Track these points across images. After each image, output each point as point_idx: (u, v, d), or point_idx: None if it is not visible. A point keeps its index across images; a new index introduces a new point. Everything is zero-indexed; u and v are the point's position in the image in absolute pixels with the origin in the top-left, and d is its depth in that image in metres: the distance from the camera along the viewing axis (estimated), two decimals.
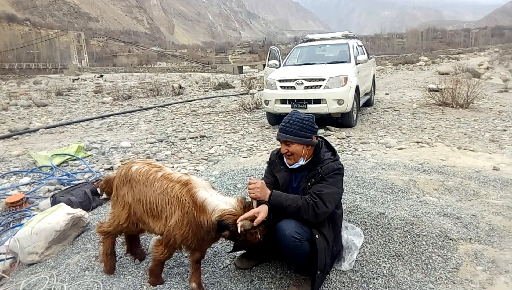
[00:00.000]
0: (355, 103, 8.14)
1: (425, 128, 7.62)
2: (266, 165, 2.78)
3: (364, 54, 9.72)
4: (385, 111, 9.92)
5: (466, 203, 3.45)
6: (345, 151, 6.22)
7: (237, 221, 2.15)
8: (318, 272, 2.30)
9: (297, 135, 2.41)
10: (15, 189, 4.99)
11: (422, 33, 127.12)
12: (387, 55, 59.82)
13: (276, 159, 2.67)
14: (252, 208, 2.26)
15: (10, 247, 3.04)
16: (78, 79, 43.65)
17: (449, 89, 10.06)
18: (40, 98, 20.09)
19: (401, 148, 6.17)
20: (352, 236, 2.69)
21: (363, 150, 6.19)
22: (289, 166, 2.54)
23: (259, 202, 2.29)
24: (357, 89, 8.23)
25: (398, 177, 4.06)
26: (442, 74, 18.29)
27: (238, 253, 2.83)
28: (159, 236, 2.51)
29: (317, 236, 2.31)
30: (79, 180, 5.19)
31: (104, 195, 3.93)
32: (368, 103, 10.55)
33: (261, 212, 2.21)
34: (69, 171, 5.74)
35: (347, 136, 7.27)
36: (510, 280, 2.39)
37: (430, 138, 6.75)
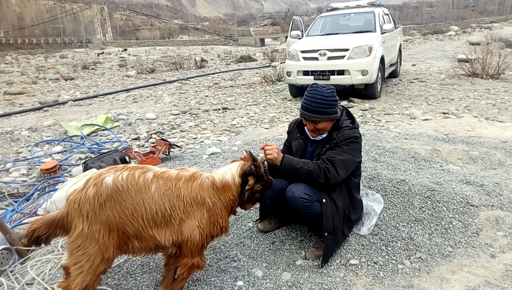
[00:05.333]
0: (379, 74, 7.96)
1: (453, 99, 7.41)
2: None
3: (390, 22, 9.40)
4: (411, 82, 9.66)
5: (490, 172, 3.42)
6: (368, 122, 6.16)
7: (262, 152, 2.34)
8: (326, 234, 2.37)
9: (325, 114, 2.39)
10: (48, 157, 5.25)
11: (453, 1, 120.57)
12: (415, 25, 57.36)
13: (294, 128, 2.72)
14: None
15: (47, 209, 3.27)
16: (102, 53, 44.22)
17: (479, 59, 9.66)
18: (67, 72, 20.58)
19: (426, 119, 6.06)
20: (371, 202, 2.74)
21: (386, 121, 6.12)
22: (312, 138, 2.57)
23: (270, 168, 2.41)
24: (382, 60, 8.03)
25: (422, 147, 4.04)
26: (473, 44, 17.45)
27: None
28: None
29: (324, 200, 2.37)
30: (108, 149, 5.41)
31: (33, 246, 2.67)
32: (394, 74, 10.27)
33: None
34: (98, 140, 5.98)
35: (370, 108, 7.18)
36: None
37: (457, 109, 6.58)
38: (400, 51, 10.89)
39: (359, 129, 2.55)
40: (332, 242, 2.43)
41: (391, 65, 9.72)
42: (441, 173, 3.32)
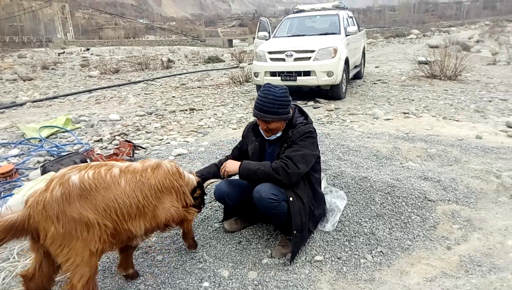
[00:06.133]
0: (344, 75, 8.15)
1: (413, 100, 7.71)
2: None
3: (354, 25, 9.66)
4: (374, 83, 9.97)
5: (447, 168, 3.59)
6: (334, 122, 6.29)
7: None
8: (295, 232, 2.41)
9: (276, 114, 2.43)
10: (4, 160, 4.99)
11: (414, 5, 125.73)
12: (378, 28, 59.35)
13: (249, 131, 2.75)
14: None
15: (1, 214, 3.09)
16: (63, 52, 42.56)
17: (438, 61, 10.12)
18: (26, 72, 19.62)
19: (388, 119, 6.27)
20: (335, 199, 2.80)
21: (351, 121, 6.27)
22: (267, 138, 2.61)
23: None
24: (346, 61, 8.23)
25: (383, 145, 4.17)
26: (432, 47, 18.30)
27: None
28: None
29: (291, 198, 2.41)
30: (68, 151, 5.21)
31: None
32: (358, 76, 10.55)
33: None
34: (58, 143, 5.74)
35: (336, 108, 7.34)
36: (482, 236, 2.55)
37: (417, 109, 6.86)
38: (363, 53, 11.20)
39: (313, 124, 2.61)
40: (300, 239, 2.47)
41: (355, 66, 9.98)
42: (401, 170, 3.44)
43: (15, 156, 5.19)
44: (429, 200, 2.84)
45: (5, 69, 22.54)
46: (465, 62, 9.82)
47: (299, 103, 7.95)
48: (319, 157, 2.63)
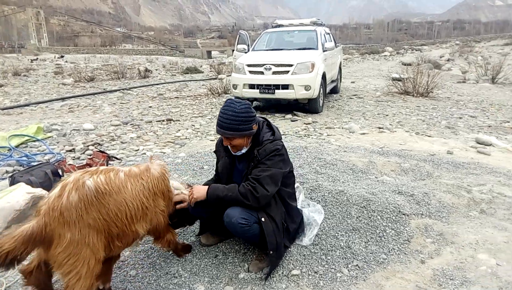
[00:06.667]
0: (321, 89, 8.30)
1: (387, 115, 7.92)
2: None
3: (331, 41, 9.88)
4: (351, 98, 10.19)
5: (420, 183, 3.68)
6: (311, 135, 6.37)
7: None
8: (271, 252, 2.39)
9: (236, 130, 2.37)
10: None
11: (388, 24, 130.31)
12: (354, 45, 61.05)
13: (220, 146, 2.69)
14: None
15: None
16: (37, 59, 41.52)
17: (411, 78, 10.47)
18: None
19: (363, 133, 6.40)
20: (313, 213, 2.81)
21: (328, 135, 6.36)
22: (233, 154, 2.56)
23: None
24: (323, 76, 8.39)
25: (359, 159, 4.25)
26: (406, 64, 18.90)
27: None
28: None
29: (263, 219, 2.37)
30: (39, 161, 5.03)
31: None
32: (335, 90, 10.77)
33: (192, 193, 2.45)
34: (28, 152, 5.54)
35: (313, 122, 7.43)
36: (455, 250, 2.61)
37: (391, 124, 7.03)
38: (340, 68, 11.46)
39: (281, 139, 2.57)
40: (276, 257, 2.45)
41: (332, 81, 10.19)
42: (376, 184, 3.51)
43: None
44: (403, 214, 2.90)
45: None
46: (436, 79, 10.21)
47: (277, 115, 8.03)
48: (291, 171, 2.61)
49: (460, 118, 7.64)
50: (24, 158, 5.23)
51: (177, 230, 2.98)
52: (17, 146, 5.75)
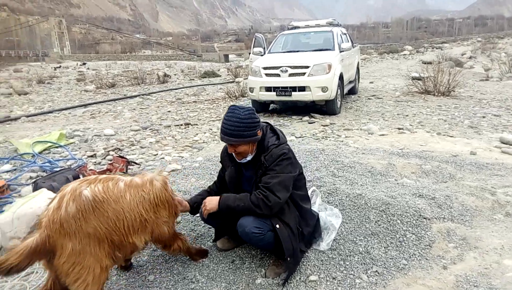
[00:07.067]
0: (339, 90, 8.22)
1: (407, 115, 7.76)
2: None
3: (348, 42, 9.79)
4: (369, 99, 10.04)
5: (442, 185, 3.58)
6: (329, 137, 6.30)
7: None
8: (288, 258, 2.35)
9: (241, 137, 2.33)
10: None
11: (407, 22, 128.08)
12: (372, 44, 60.27)
13: (225, 155, 2.66)
14: None
15: None
16: (60, 67, 42.74)
17: (431, 77, 10.24)
18: (21, 86, 19.58)
19: (382, 135, 6.29)
20: (330, 217, 2.77)
21: (346, 137, 6.28)
22: (238, 161, 2.52)
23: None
24: (341, 77, 8.31)
25: (378, 161, 4.17)
26: (426, 63, 18.52)
27: None
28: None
29: (277, 226, 2.33)
30: (61, 167, 5.15)
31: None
32: (353, 91, 10.65)
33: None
34: (51, 158, 5.68)
35: (331, 123, 7.36)
36: (478, 255, 2.52)
37: (411, 125, 6.89)
38: (358, 69, 11.33)
39: (287, 142, 2.51)
40: (293, 263, 2.42)
41: (350, 82, 10.07)
42: (396, 186, 3.43)
43: (7, 171, 5.13)
44: (424, 218, 2.82)
45: (1, 83, 22.53)
46: (458, 78, 9.95)
47: (294, 118, 7.99)
48: (301, 173, 2.57)
49: (484, 117, 7.41)
50: (47, 164, 5.37)
51: (194, 235, 3.01)
52: (40, 152, 5.91)
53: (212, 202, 2.42)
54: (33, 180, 4.39)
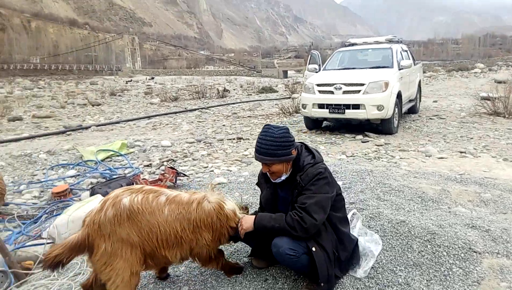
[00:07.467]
0: (396, 109, 7.90)
1: (471, 138, 7.23)
2: None
3: (409, 59, 9.42)
4: (431, 119, 9.53)
5: (500, 217, 3.26)
6: (381, 158, 6.06)
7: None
8: (322, 284, 2.28)
9: (275, 156, 2.31)
10: (61, 180, 5.39)
11: (479, 39, 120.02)
12: (440, 61, 57.23)
13: (261, 178, 2.65)
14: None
15: (49, 233, 3.32)
16: (131, 80, 46.05)
17: (502, 98, 9.46)
18: (95, 98, 21.43)
19: (441, 158, 5.92)
20: (369, 243, 2.65)
21: (400, 158, 6.00)
22: (273, 181, 2.49)
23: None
24: (399, 95, 8.00)
25: (430, 187, 3.91)
26: (499, 82, 17.16)
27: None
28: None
29: (313, 249, 2.26)
30: (119, 174, 5.51)
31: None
32: (413, 110, 10.19)
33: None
34: (112, 166, 6.10)
35: (385, 143, 7.08)
36: None
37: (475, 149, 6.40)
38: (419, 87, 10.81)
39: (323, 162, 2.44)
40: (328, 289, 2.34)
41: (410, 100, 9.65)
42: (447, 215, 3.18)
43: (72, 176, 5.60)
44: (475, 252, 2.58)
45: (78, 94, 24.83)
46: None
47: (347, 136, 7.80)
48: (340, 194, 2.49)
49: None
50: (108, 171, 5.78)
51: (231, 249, 3.03)
52: (103, 160, 6.38)
53: (248, 222, 2.40)
54: (91, 186, 4.74)
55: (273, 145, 2.30)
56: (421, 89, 11.39)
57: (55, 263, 2.03)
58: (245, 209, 2.65)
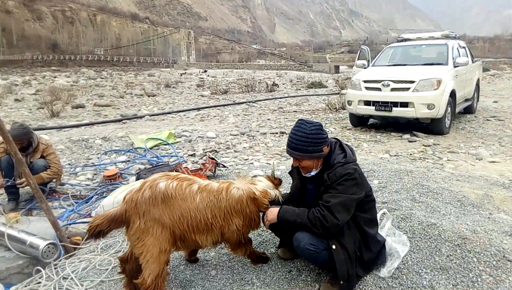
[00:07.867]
0: (449, 109, 7.52)
1: None
2: None
3: (466, 56, 8.88)
4: (488, 120, 8.93)
5: None
6: (427, 159, 5.83)
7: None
8: (341, 282, 2.29)
9: (306, 152, 2.31)
10: (113, 165, 5.81)
11: None
12: (507, 59, 52.82)
13: (293, 169, 2.69)
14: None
15: (97, 212, 3.64)
16: (185, 73, 47.65)
17: None
18: (151, 89, 22.52)
19: (493, 161, 5.57)
20: (396, 244, 2.62)
21: (448, 160, 5.73)
22: (303, 175, 2.52)
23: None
24: (452, 94, 7.59)
25: (473, 191, 3.73)
26: None
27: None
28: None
29: (334, 246, 2.26)
30: (164, 162, 5.83)
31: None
32: (469, 110, 9.60)
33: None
34: (159, 154, 6.45)
35: (434, 144, 6.78)
36: None
37: None
38: (477, 86, 10.15)
39: (357, 162, 2.41)
40: (347, 288, 2.35)
41: (466, 100, 9.13)
42: (485, 221, 3.03)
43: (122, 162, 6.01)
44: (509, 261, 2.45)
45: (136, 85, 26.19)
46: None
47: (393, 134, 7.57)
48: (369, 195, 2.45)
49: None
50: (155, 159, 6.13)
51: (260, 239, 3.14)
52: (151, 148, 6.77)
53: (272, 213, 2.46)
54: (138, 171, 5.07)
55: (304, 141, 2.31)
56: (480, 88, 10.69)
57: (97, 232, 2.28)
58: (278, 181, 2.72)
